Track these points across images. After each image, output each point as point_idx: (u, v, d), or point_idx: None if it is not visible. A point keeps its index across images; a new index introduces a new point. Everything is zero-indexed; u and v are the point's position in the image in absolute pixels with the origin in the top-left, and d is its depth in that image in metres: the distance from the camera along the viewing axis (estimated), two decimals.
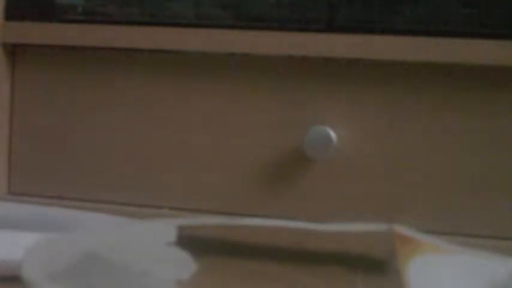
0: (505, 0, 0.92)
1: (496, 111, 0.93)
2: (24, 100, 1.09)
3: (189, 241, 0.38)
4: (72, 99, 1.07)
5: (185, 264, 0.38)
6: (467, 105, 0.94)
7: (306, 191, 0.98)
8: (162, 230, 0.38)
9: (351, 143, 0.97)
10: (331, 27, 0.97)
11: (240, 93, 1.01)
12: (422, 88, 0.95)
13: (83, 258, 0.34)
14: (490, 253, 0.38)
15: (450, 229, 0.94)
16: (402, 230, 0.39)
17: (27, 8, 1.07)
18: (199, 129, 1.02)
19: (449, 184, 0.95)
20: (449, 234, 0.94)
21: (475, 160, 0.94)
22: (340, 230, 0.39)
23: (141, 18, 1.04)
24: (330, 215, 0.98)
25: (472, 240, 0.92)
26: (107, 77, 1.06)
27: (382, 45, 0.94)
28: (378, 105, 0.97)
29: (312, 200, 0.98)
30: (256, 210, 1.00)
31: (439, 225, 0.95)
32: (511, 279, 0.37)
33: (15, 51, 1.09)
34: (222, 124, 1.02)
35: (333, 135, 0.96)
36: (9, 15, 1.08)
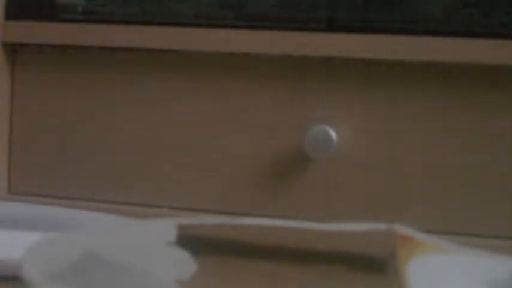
0: (505, 0, 0.92)
1: (496, 111, 0.93)
2: (24, 100, 1.09)
3: (189, 241, 0.38)
4: (72, 99, 1.07)
5: (185, 264, 0.38)
6: (467, 105, 0.94)
7: (306, 191, 0.98)
8: (162, 230, 0.38)
9: (351, 143, 0.97)
10: (331, 27, 0.97)
11: (240, 93, 1.01)
12: (422, 88, 0.95)
13: (83, 258, 0.34)
14: (490, 253, 0.38)
15: (450, 229, 0.94)
16: (402, 229, 0.39)
17: (27, 8, 1.07)
18: (199, 129, 1.02)
19: (449, 184, 0.95)
20: (450, 234, 0.94)
21: (475, 160, 0.94)
22: (340, 230, 0.39)
23: (141, 18, 1.04)
24: (330, 215, 0.98)
25: (472, 240, 0.92)
26: (107, 77, 1.06)
27: (382, 45, 0.94)
28: (378, 105, 0.97)
29: (312, 200, 0.98)
30: (256, 210, 1.00)
31: (439, 225, 0.95)
32: (511, 279, 0.37)
33: (15, 51, 1.09)
34: (222, 124, 1.02)
35: (333, 135, 0.96)
36: (9, 15, 1.08)
